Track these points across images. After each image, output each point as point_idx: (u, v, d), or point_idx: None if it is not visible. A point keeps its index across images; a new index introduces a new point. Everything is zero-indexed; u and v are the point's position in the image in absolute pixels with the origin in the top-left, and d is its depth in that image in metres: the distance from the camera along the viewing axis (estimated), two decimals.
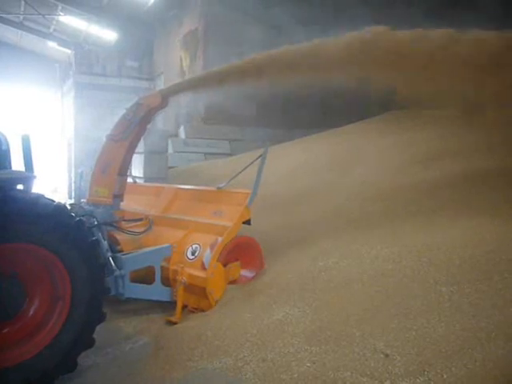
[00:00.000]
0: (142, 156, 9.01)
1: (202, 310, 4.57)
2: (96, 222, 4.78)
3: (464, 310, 3.36)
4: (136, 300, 4.79)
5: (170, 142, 11.61)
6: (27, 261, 3.35)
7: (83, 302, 3.45)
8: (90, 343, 3.56)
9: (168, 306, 4.78)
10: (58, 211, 3.33)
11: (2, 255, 3.16)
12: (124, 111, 5.59)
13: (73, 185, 15.28)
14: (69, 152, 17.82)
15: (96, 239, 3.69)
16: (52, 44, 17.75)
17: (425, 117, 8.92)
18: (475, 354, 2.91)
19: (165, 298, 4.81)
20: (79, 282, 3.42)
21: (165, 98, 5.54)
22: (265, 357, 3.38)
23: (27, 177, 3.59)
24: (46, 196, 3.40)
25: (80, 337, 3.46)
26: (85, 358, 3.72)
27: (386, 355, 3.09)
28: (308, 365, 3.20)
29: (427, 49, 4.30)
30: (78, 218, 3.51)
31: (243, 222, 4.92)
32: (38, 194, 3.40)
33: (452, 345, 3.04)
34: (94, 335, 3.58)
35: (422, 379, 2.83)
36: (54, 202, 3.39)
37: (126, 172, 5.68)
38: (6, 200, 3.07)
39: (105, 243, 4.62)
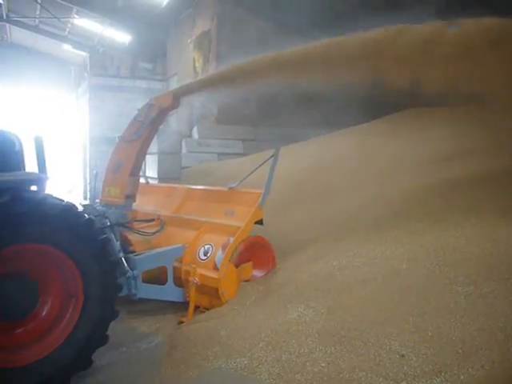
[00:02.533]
0: (156, 156, 9.07)
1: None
2: (108, 223, 4.82)
3: (480, 310, 3.32)
4: (149, 300, 4.82)
5: (183, 142, 11.66)
6: (38, 260, 3.38)
7: (96, 300, 3.48)
8: (104, 340, 3.58)
9: (181, 306, 4.80)
10: (66, 211, 3.35)
11: (14, 255, 3.20)
12: (136, 112, 5.62)
13: (88, 186, 15.43)
14: (84, 153, 18.00)
15: (106, 237, 3.71)
16: (67, 47, 17.92)
17: (436, 115, 8.83)
18: (492, 355, 2.87)
19: (177, 298, 4.83)
20: (91, 279, 3.45)
21: (176, 98, 5.54)
22: (279, 357, 3.38)
23: (40, 178, 3.62)
24: (55, 196, 3.44)
25: (94, 334, 3.49)
26: (100, 357, 3.76)
27: (402, 356, 3.06)
28: (323, 365, 3.18)
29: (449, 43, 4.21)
30: (87, 217, 3.53)
31: (255, 222, 4.91)
32: (46, 194, 3.44)
33: (468, 345, 3.00)
34: (109, 334, 3.61)
35: (438, 380, 2.80)
36: (62, 201, 3.42)
37: (138, 172, 5.71)
38: (17, 201, 3.11)
39: (117, 244, 4.65)
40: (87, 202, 6.63)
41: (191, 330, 4.19)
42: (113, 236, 4.65)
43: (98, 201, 5.76)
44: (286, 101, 9.71)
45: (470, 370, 2.81)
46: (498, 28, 4.00)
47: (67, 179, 19.94)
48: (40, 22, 17.21)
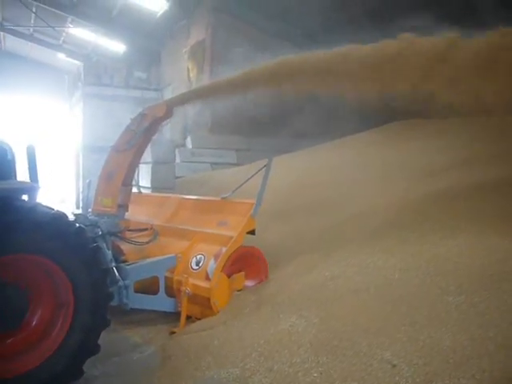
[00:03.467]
0: (150, 166, 9.07)
1: None
2: (100, 232, 4.80)
3: (471, 320, 3.34)
4: (140, 310, 4.81)
5: (177, 152, 11.68)
6: (28, 270, 3.36)
7: (87, 309, 3.46)
8: (95, 350, 3.56)
9: (172, 316, 4.79)
10: (56, 219, 3.33)
11: (4, 265, 3.18)
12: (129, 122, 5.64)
13: (80, 195, 15.38)
14: (77, 162, 17.96)
15: (97, 245, 3.70)
16: (61, 55, 17.95)
17: (429, 126, 8.92)
18: (483, 365, 2.88)
19: (169, 308, 4.82)
20: (82, 288, 3.43)
21: (169, 108, 5.56)
22: (271, 367, 3.37)
23: (31, 187, 3.61)
24: (45, 204, 3.42)
25: (85, 343, 3.46)
26: (92, 368, 3.74)
27: (394, 365, 3.07)
28: (315, 375, 3.18)
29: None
30: (77, 226, 3.51)
31: (248, 233, 4.91)
32: (35, 202, 3.42)
33: (460, 355, 3.02)
34: (101, 344, 3.59)
35: None
36: (52, 210, 3.40)
37: (131, 182, 5.70)
38: (6, 210, 3.09)
39: (109, 253, 4.63)
40: (79, 212, 6.63)
41: (184, 339, 4.18)
42: (104, 245, 4.63)
43: (90, 210, 5.74)
44: (280, 111, 9.78)
45: (460, 379, 2.82)
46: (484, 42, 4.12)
47: (60, 188, 19.85)
48: (34, 30, 17.24)
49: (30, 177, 3.82)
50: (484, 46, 4.14)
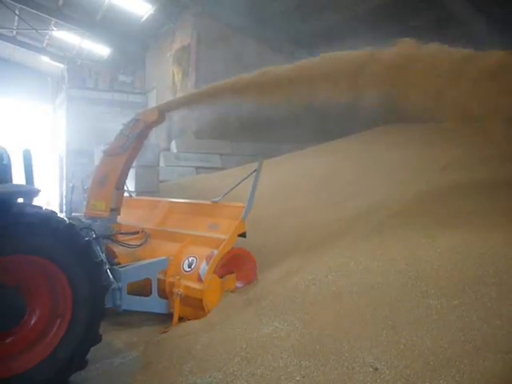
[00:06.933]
0: (134, 170, 9.02)
1: None
2: (94, 235, 4.85)
3: (452, 323, 3.39)
4: (126, 313, 4.78)
5: (161, 155, 11.64)
6: (25, 270, 3.35)
7: (82, 322, 3.45)
8: (96, 340, 3.57)
9: (162, 318, 4.80)
10: (68, 230, 3.40)
11: (2, 267, 3.19)
12: (121, 126, 5.72)
13: (64, 199, 15.22)
14: (60, 165, 17.76)
15: (89, 240, 3.73)
16: (45, 58, 17.81)
17: (414, 131, 9.05)
18: (462, 367, 2.93)
19: (161, 310, 4.86)
20: (78, 281, 3.43)
21: (162, 113, 5.69)
22: (254, 371, 3.38)
23: (33, 190, 3.66)
24: (46, 208, 3.46)
25: (73, 357, 3.44)
26: (74, 374, 3.68)
27: (375, 369, 3.10)
28: (297, 379, 3.19)
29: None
30: (87, 239, 3.60)
31: (238, 235, 4.98)
32: (39, 206, 3.44)
33: (440, 357, 3.06)
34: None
35: None
36: (48, 210, 3.44)
37: (123, 186, 5.80)
38: (9, 212, 3.11)
39: (103, 255, 4.66)
40: (64, 215, 6.61)
41: (167, 344, 4.15)
42: (98, 248, 4.67)
43: (75, 214, 5.75)
44: (264, 116, 9.83)
45: (441, 381, 2.87)
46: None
47: (44, 192, 19.59)
48: (17, 33, 17.08)
49: (26, 180, 3.88)
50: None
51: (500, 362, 2.91)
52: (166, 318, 4.77)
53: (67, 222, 3.52)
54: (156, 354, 4.02)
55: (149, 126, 5.67)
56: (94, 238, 4.77)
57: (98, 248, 4.67)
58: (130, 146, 5.52)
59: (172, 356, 3.86)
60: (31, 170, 3.89)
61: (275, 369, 3.35)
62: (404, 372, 3.01)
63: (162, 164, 11.59)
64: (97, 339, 3.60)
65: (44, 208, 3.45)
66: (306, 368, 3.28)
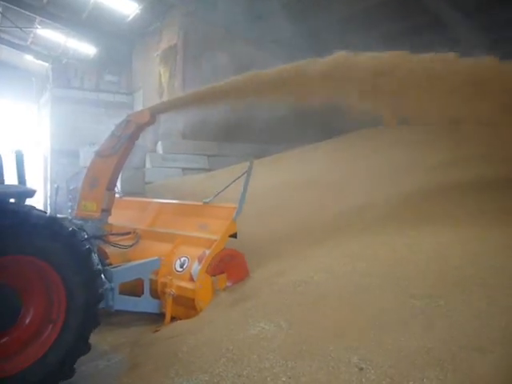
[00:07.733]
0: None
1: None
2: (86, 236, 4.85)
3: (436, 323, 3.43)
4: (120, 312, 4.77)
5: (147, 157, 11.57)
6: (22, 271, 3.32)
7: (73, 330, 3.42)
8: (71, 372, 3.49)
9: (153, 317, 4.81)
10: (71, 236, 3.39)
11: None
12: (113, 127, 5.74)
13: (48, 199, 15.04)
14: (45, 165, 17.56)
15: (89, 247, 3.70)
16: (29, 57, 17.57)
17: (395, 135, 9.15)
18: (446, 366, 2.97)
19: (153, 309, 4.89)
20: (75, 307, 3.41)
21: (153, 115, 5.72)
22: (240, 372, 3.37)
23: (29, 191, 3.64)
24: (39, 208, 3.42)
25: (64, 363, 3.40)
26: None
27: (361, 369, 3.12)
28: (283, 379, 3.20)
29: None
30: (87, 246, 3.58)
31: (229, 236, 5.02)
32: (31, 206, 3.40)
33: (424, 357, 3.09)
34: None
35: None
36: (46, 213, 3.44)
37: (114, 187, 5.82)
38: (5, 213, 3.09)
39: (95, 256, 4.63)
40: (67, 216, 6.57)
41: (153, 347, 4.13)
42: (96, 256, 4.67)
43: (59, 215, 5.71)
44: (252, 118, 9.86)
45: (425, 380, 2.90)
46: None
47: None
48: (1, 30, 16.83)
49: (18, 181, 3.86)
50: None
51: (484, 361, 2.95)
52: (156, 318, 4.78)
53: (70, 228, 3.51)
54: (142, 356, 4.00)
55: (140, 128, 5.71)
56: (86, 239, 4.74)
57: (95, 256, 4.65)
58: (121, 147, 5.56)
59: (158, 359, 3.85)
60: (23, 170, 3.88)
61: (261, 369, 3.35)
62: (389, 372, 3.03)
63: (148, 165, 11.53)
64: (86, 348, 3.55)
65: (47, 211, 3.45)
66: (292, 368, 3.29)
